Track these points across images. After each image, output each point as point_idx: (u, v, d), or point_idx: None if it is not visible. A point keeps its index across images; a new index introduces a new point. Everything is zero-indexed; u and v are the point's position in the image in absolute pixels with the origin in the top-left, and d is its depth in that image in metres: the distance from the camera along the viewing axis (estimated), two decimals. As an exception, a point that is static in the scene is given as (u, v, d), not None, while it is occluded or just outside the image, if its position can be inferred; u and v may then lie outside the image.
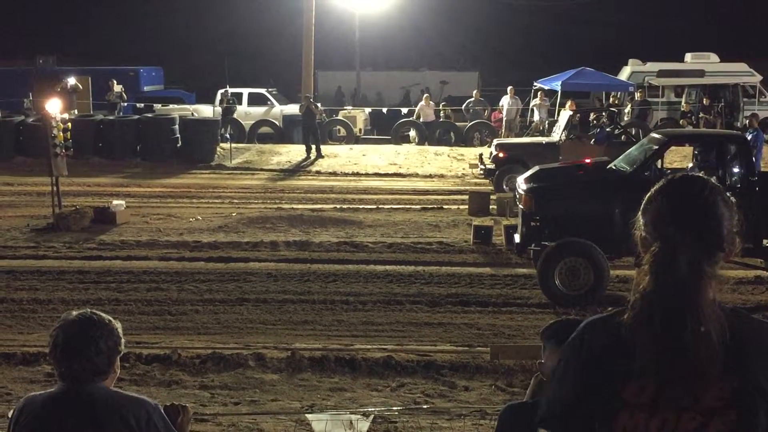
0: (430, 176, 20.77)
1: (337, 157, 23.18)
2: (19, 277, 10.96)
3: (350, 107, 30.75)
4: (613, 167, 11.28)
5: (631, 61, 28.82)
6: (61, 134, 14.13)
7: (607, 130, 18.96)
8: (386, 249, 12.54)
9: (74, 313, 3.02)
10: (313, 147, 23.09)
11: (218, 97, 26.94)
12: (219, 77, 29.34)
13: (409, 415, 6.79)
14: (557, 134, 18.27)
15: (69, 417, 2.91)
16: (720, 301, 1.95)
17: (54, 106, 14.19)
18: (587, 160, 12.80)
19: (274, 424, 6.58)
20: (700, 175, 2.13)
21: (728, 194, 2.03)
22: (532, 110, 25.13)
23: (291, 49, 32.86)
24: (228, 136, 23.53)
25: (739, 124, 25.20)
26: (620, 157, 11.70)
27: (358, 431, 5.58)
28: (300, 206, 16.33)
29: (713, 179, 2.06)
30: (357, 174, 20.99)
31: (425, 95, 27.79)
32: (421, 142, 25.77)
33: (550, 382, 2.49)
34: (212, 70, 35.04)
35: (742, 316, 1.98)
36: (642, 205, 2.05)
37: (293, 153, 23.73)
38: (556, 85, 23.57)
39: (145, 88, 31.47)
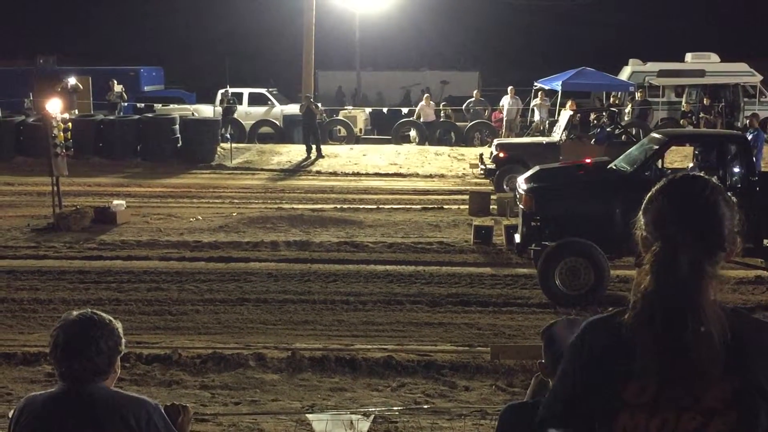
0: (431, 176, 20.77)
1: (338, 157, 23.18)
2: (19, 277, 10.96)
3: (350, 107, 30.74)
4: (614, 167, 11.28)
5: (631, 61, 28.82)
6: (62, 134, 14.13)
7: (608, 130, 18.96)
8: (387, 249, 12.54)
9: (75, 313, 3.02)
10: (314, 147, 23.09)
11: (218, 97, 26.93)
12: (219, 77, 29.38)
13: (409, 415, 6.79)
14: (558, 134, 18.27)
15: (69, 417, 2.91)
16: (721, 301, 1.95)
17: (54, 106, 14.19)
18: (588, 160, 12.80)
19: (274, 424, 6.58)
20: (701, 174, 2.13)
21: (729, 194, 2.03)
22: (533, 110, 25.14)
23: (291, 49, 32.85)
24: (228, 136, 23.54)
25: (739, 124, 25.19)
26: (620, 157, 11.70)
27: (358, 431, 5.58)
28: (300, 206, 16.33)
29: (714, 179, 2.06)
30: (357, 174, 20.99)
31: (426, 95, 27.78)
32: (421, 142, 25.77)
33: (550, 382, 2.49)
34: (212, 70, 35.10)
35: (743, 316, 1.98)
36: (643, 205, 2.05)
37: (293, 153, 23.73)
38: (557, 85, 23.57)
39: (146, 88, 31.48)
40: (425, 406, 7.00)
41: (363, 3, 35.13)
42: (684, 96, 27.94)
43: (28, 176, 19.06)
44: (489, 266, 11.86)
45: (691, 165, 13.01)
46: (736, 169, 10.67)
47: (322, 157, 22.95)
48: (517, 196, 11.50)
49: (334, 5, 33.51)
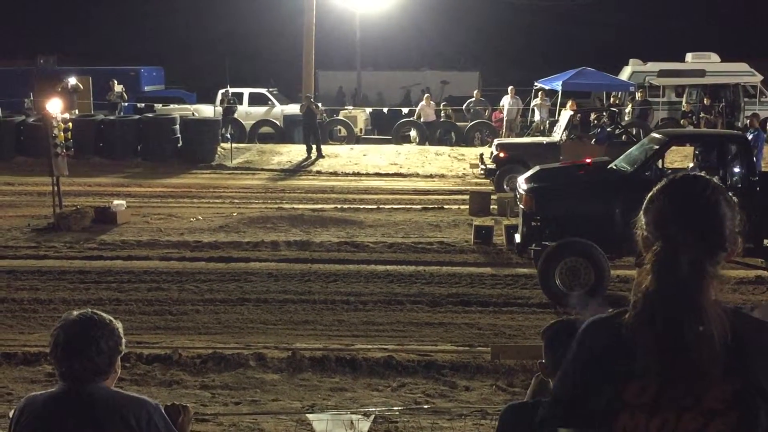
0: (431, 176, 20.77)
1: (338, 157, 23.18)
2: (20, 277, 10.96)
3: (351, 107, 30.73)
4: (614, 167, 11.28)
5: (631, 61, 28.80)
6: (62, 134, 14.14)
7: (608, 130, 18.96)
8: (387, 249, 12.54)
9: (75, 312, 3.02)
10: (314, 147, 23.09)
11: (219, 97, 26.93)
12: (219, 77, 29.35)
13: (409, 415, 6.79)
14: (558, 134, 18.27)
15: (70, 417, 2.91)
16: (721, 300, 1.94)
17: (55, 106, 14.20)
18: (588, 160, 12.80)
19: (274, 424, 6.58)
20: (702, 174, 2.13)
21: (730, 194, 2.03)
22: (533, 110, 25.13)
23: (291, 49, 32.84)
24: (229, 136, 23.54)
25: (739, 124, 25.20)
26: (621, 157, 11.71)
27: (358, 431, 5.58)
28: (301, 206, 16.33)
29: (715, 179, 2.06)
30: (358, 174, 20.99)
31: (426, 95, 27.76)
32: (421, 142, 25.77)
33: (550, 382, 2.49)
34: (213, 70, 35.06)
35: (744, 317, 1.98)
36: (644, 205, 2.05)
37: (294, 153, 23.73)
38: (557, 85, 23.57)
39: (146, 88, 31.49)
40: (425, 406, 7.00)
41: (363, 3, 35.11)
42: (684, 96, 27.93)
43: (29, 176, 19.06)
44: (489, 266, 11.86)
45: (691, 165, 13.01)
46: (737, 169, 10.67)
47: (323, 157, 22.95)
48: (518, 196, 11.50)
49: (334, 5, 33.49)
